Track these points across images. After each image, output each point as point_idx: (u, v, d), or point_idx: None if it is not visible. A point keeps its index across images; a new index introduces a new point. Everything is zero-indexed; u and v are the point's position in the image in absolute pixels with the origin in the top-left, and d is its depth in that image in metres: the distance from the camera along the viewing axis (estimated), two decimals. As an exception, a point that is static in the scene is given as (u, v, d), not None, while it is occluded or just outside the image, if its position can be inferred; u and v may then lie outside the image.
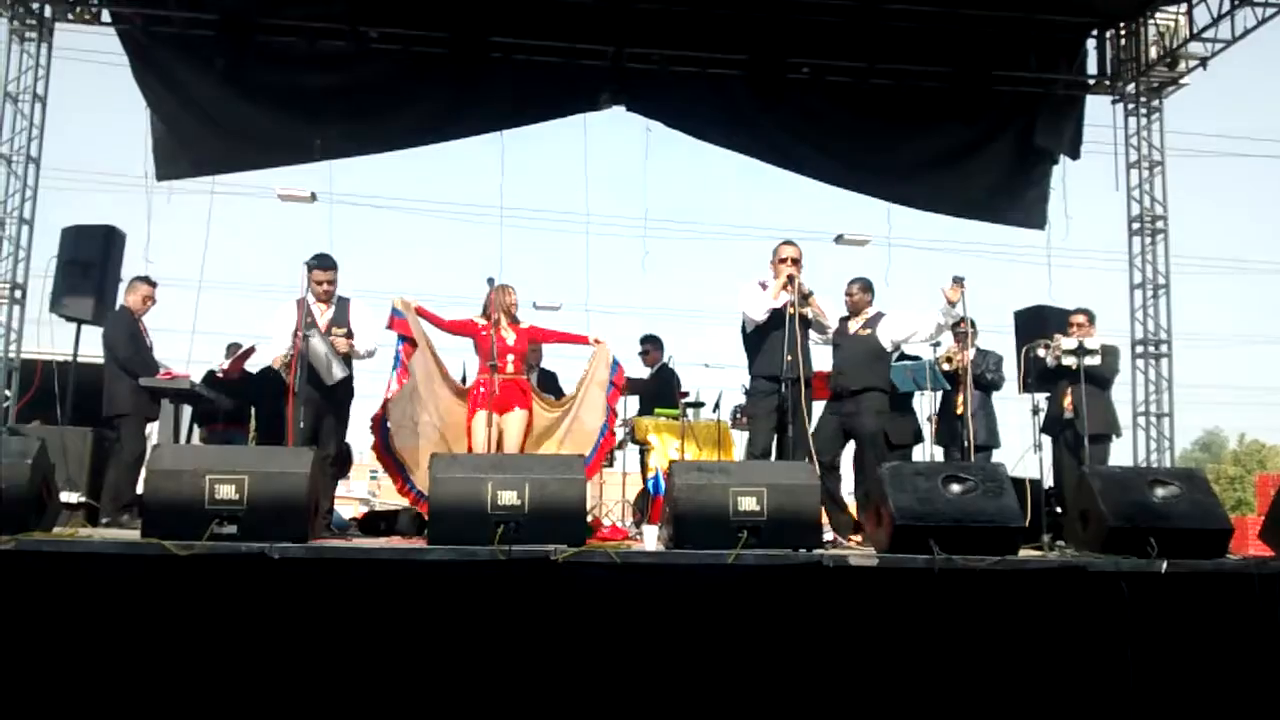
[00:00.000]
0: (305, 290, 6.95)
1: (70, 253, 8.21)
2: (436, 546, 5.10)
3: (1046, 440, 7.86)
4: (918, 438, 8.31)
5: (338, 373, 6.80)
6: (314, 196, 16.55)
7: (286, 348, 6.69)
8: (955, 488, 5.46)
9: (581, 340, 7.57)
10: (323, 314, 7.03)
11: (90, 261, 8.17)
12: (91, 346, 8.14)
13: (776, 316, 6.72)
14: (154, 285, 7.85)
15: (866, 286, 7.49)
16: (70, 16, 9.78)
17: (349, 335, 7.08)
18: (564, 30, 9.81)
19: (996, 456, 8.32)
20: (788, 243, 6.89)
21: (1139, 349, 10.46)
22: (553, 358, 9.11)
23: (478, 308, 7.25)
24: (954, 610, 5.16)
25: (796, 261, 6.78)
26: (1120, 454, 10.15)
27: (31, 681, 4.62)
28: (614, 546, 5.51)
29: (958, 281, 6.88)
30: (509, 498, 5.14)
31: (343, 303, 7.15)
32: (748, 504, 5.28)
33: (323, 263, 7.04)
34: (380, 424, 7.04)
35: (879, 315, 7.40)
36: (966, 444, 7.34)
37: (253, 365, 8.14)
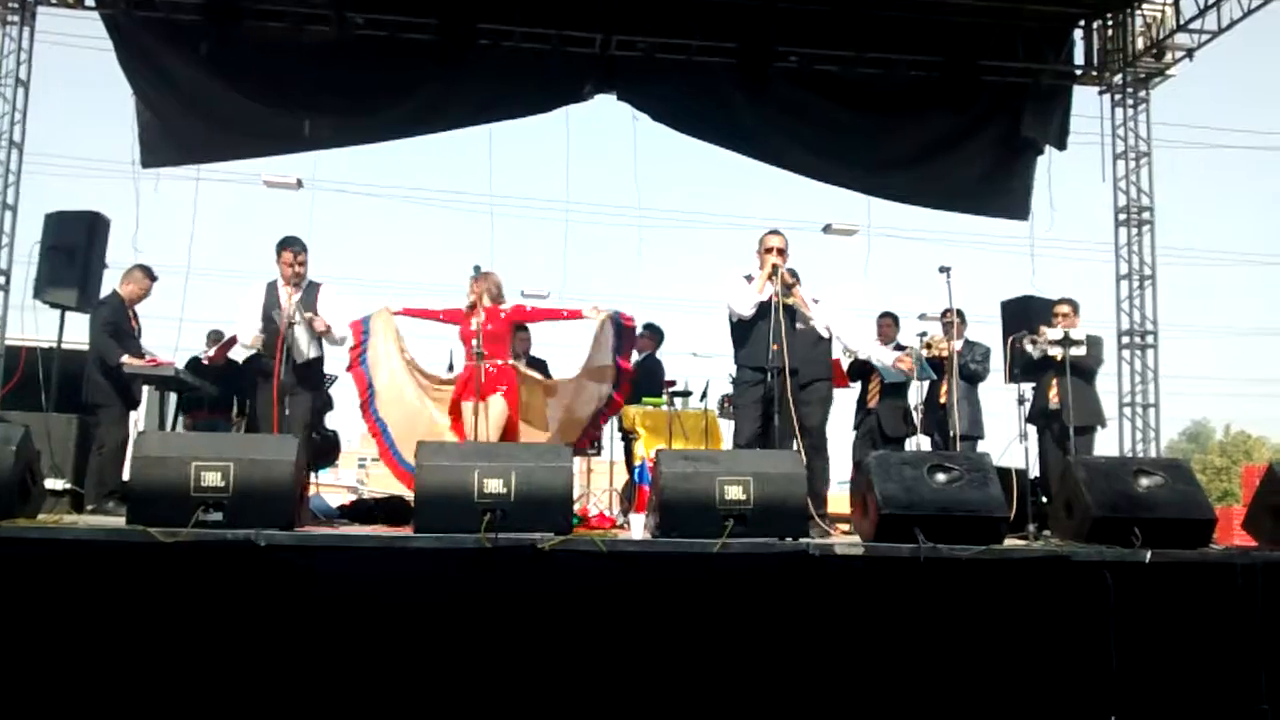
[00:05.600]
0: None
1: (54, 239, 8.15)
2: (422, 534, 5.10)
3: (1032, 430, 7.89)
4: (911, 428, 8.35)
5: (309, 351, 6.80)
6: (300, 183, 16.52)
7: (259, 328, 6.74)
8: (941, 477, 5.47)
9: (575, 315, 7.52)
10: (290, 296, 6.97)
11: (74, 248, 8.11)
12: (76, 332, 8.10)
13: (762, 306, 6.72)
14: (154, 279, 7.81)
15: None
16: (53, 0, 9.70)
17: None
18: (551, 17, 9.79)
19: (981, 446, 8.35)
20: (773, 232, 6.88)
21: (1125, 340, 10.52)
22: (545, 346, 9.14)
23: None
24: (939, 599, 5.19)
25: (782, 251, 6.76)
26: (1106, 444, 10.21)
27: (15, 669, 4.61)
28: (600, 535, 5.52)
29: (943, 271, 6.92)
30: (495, 485, 5.13)
31: (312, 287, 7.13)
32: (734, 492, 5.28)
33: (292, 244, 7.02)
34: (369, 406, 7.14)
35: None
36: (951, 433, 7.36)
37: (237, 353, 8.12)
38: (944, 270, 6.99)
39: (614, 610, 5.04)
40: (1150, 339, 10.44)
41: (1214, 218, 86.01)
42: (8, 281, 9.21)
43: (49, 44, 10.42)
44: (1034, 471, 7.70)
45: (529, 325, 8.43)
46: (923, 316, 8.73)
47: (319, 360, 7.12)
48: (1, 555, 4.70)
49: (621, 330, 7.56)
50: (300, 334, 6.78)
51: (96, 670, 4.66)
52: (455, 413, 7.17)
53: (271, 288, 6.98)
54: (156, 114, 9.78)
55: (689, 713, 4.99)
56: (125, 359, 7.27)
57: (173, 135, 9.87)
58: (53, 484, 6.87)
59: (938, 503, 5.36)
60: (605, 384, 7.65)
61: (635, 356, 9.39)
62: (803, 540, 5.32)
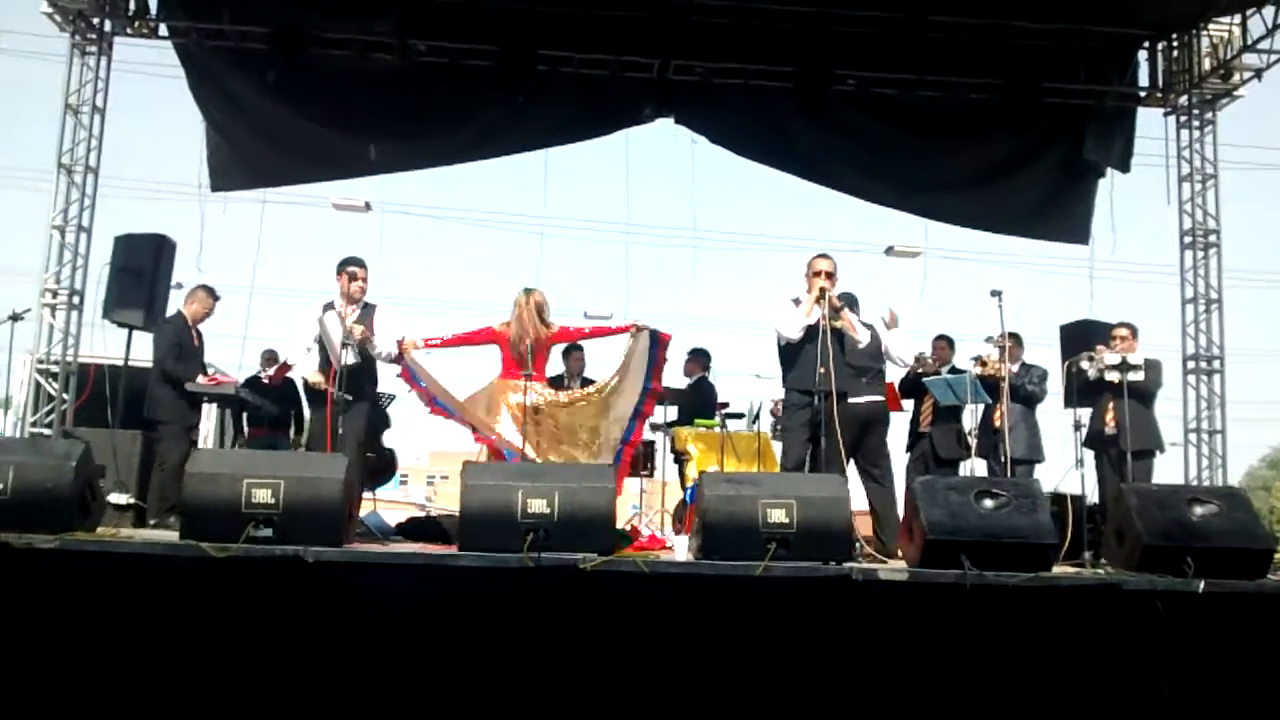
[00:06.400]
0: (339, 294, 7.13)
1: (122, 260, 8.42)
2: (467, 552, 5.16)
3: (1090, 456, 7.79)
4: (965, 451, 8.26)
5: (347, 358, 6.90)
6: (368, 206, 16.82)
7: (314, 360, 6.93)
8: (988, 503, 5.42)
9: (620, 331, 7.54)
10: (348, 315, 7.09)
11: (141, 269, 8.37)
12: (143, 350, 8.34)
13: (810, 329, 6.72)
14: (216, 298, 8.04)
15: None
16: (129, 30, 10.02)
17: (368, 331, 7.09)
18: (610, 43, 9.88)
19: (1040, 470, 8.25)
20: (822, 255, 6.89)
21: (1190, 365, 10.29)
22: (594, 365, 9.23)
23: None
24: (985, 627, 5.12)
25: (830, 275, 6.77)
26: (1173, 472, 10.03)
27: (70, 677, 4.75)
28: (643, 556, 5.54)
29: (995, 295, 6.89)
30: (539, 506, 5.18)
31: (368, 308, 7.23)
32: (777, 516, 5.27)
33: (353, 264, 7.15)
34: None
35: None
36: (1003, 459, 7.29)
37: (296, 373, 8.30)
38: (995, 294, 6.95)
39: (656, 631, 5.06)
40: (1217, 364, 10.19)
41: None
42: (82, 301, 9.48)
43: (124, 72, 10.70)
44: (1094, 498, 7.60)
45: (582, 345, 8.54)
46: (989, 340, 8.61)
47: (361, 369, 7.10)
48: (61, 567, 4.86)
49: (656, 345, 7.48)
50: (336, 334, 6.92)
51: (149, 680, 4.78)
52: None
53: (328, 308, 7.12)
54: (226, 139, 10.05)
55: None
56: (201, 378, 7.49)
57: (241, 160, 10.13)
58: (117, 499, 7.07)
59: (984, 529, 5.31)
60: (633, 400, 7.50)
61: (684, 380, 9.45)
62: (846, 565, 5.29)
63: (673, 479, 9.23)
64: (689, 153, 11.11)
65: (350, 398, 6.74)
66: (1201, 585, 5.18)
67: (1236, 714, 5.14)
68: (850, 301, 7.14)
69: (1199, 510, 5.54)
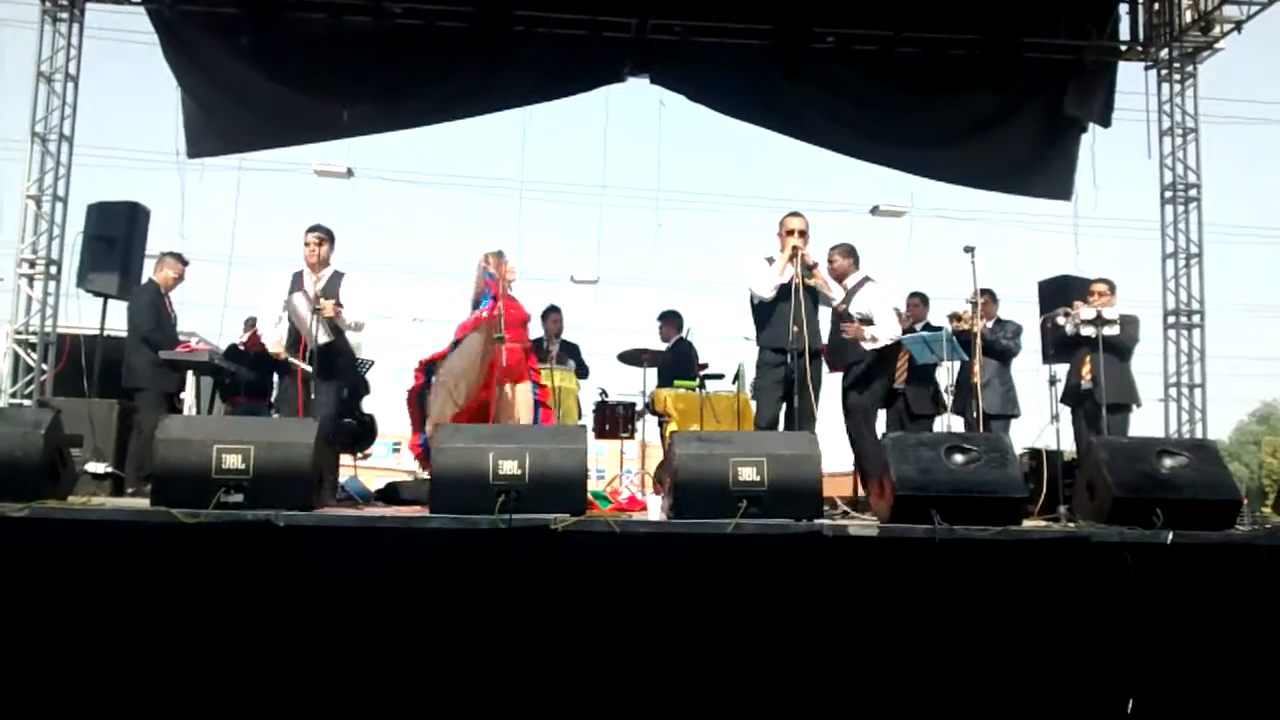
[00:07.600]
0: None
1: (95, 229, 8.38)
2: (438, 515, 5.16)
3: (1067, 411, 7.81)
4: (939, 407, 8.28)
5: (320, 337, 6.91)
6: (350, 172, 16.77)
7: (282, 332, 6.96)
8: (958, 458, 5.42)
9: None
10: (314, 283, 7.14)
11: (114, 237, 8.33)
12: (118, 320, 8.32)
13: (783, 288, 6.72)
14: (185, 264, 8.03)
15: (849, 252, 7.54)
16: (101, -3, 9.94)
17: (338, 305, 7.13)
18: (587, 2, 9.80)
19: (1016, 426, 8.26)
20: (793, 214, 6.89)
21: (1171, 319, 10.32)
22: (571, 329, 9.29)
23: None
24: (955, 581, 5.14)
25: (802, 233, 6.77)
26: (1152, 426, 10.08)
27: (42, 645, 4.75)
28: (614, 516, 5.55)
29: (968, 251, 6.88)
30: (510, 467, 5.17)
31: (336, 275, 7.26)
32: (748, 474, 5.27)
33: (313, 230, 7.21)
34: (425, 370, 7.18)
35: (861, 283, 7.46)
36: (975, 414, 7.31)
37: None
38: (969, 250, 6.94)
39: (628, 591, 5.06)
40: (1196, 319, 10.22)
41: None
42: (59, 271, 9.44)
43: (96, 39, 10.61)
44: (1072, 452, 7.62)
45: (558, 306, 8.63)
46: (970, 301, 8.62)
47: (333, 346, 7.15)
48: (30, 535, 4.85)
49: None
50: (306, 314, 6.91)
51: (121, 647, 4.79)
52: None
53: (296, 276, 7.17)
54: (200, 105, 9.99)
55: (704, 693, 5.02)
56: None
57: (215, 125, 10.07)
58: (95, 468, 7.07)
59: (954, 483, 5.31)
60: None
61: (661, 345, 9.42)
62: (817, 521, 5.31)
63: (654, 440, 9.24)
64: (669, 114, 11.05)
65: (310, 368, 6.73)
66: (1170, 537, 5.20)
67: (1204, 662, 5.19)
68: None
69: (1168, 462, 5.55)
